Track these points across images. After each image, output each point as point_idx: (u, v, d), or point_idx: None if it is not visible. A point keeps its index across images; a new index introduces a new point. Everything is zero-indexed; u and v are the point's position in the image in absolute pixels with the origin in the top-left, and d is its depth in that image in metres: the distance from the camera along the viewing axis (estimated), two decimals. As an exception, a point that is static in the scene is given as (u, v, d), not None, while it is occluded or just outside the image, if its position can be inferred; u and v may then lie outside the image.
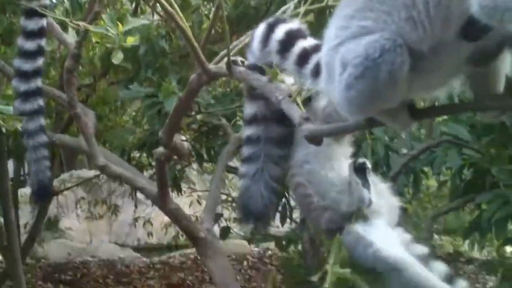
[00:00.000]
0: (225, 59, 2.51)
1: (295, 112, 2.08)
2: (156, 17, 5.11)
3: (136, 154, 5.53)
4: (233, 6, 4.73)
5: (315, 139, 2.05)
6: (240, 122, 4.26)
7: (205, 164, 6.02)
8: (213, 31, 4.73)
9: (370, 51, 1.60)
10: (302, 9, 2.55)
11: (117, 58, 2.95)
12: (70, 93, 3.95)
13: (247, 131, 2.60)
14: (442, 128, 3.60)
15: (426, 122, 3.70)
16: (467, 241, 6.43)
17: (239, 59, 2.46)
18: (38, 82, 3.31)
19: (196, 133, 4.80)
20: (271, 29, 2.21)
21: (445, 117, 3.65)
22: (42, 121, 3.48)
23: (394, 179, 3.56)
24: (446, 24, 1.58)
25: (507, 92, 1.72)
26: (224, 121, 4.31)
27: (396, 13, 1.60)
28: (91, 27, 3.02)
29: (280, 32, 2.16)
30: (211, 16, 4.62)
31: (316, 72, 1.97)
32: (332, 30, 1.78)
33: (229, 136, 4.20)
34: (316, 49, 2.03)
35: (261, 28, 2.27)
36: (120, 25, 2.73)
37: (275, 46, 2.16)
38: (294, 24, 2.19)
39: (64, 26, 3.88)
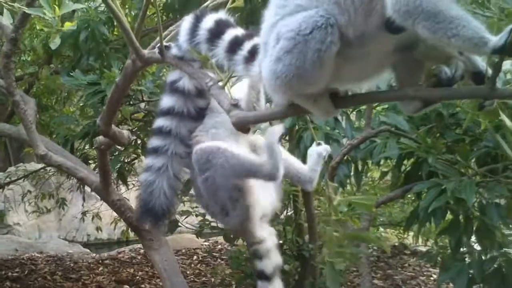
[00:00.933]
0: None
1: (224, 98, 2.08)
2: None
3: (80, 145, 5.42)
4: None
5: (243, 127, 2.06)
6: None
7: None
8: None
9: (303, 26, 1.63)
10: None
11: (55, 43, 2.88)
12: (8, 79, 3.86)
13: (160, 122, 2.59)
14: (381, 117, 3.64)
15: (366, 112, 3.73)
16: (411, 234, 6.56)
17: (172, 44, 2.43)
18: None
19: (140, 123, 4.74)
20: (198, 20, 2.21)
21: (385, 106, 3.71)
22: None
23: (335, 168, 3.59)
24: (369, 15, 1.63)
25: (427, 83, 1.75)
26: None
27: None
28: (27, 9, 2.93)
29: (208, 21, 2.17)
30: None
31: (249, 58, 2.00)
32: (272, 9, 1.80)
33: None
34: (248, 36, 2.06)
35: (187, 20, 2.27)
36: (57, 8, 2.64)
37: (204, 35, 2.16)
38: (222, 15, 2.20)
39: (-1, 9, 3.76)
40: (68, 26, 2.83)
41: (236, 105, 2.03)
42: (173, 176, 2.54)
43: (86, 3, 4.29)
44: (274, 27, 1.75)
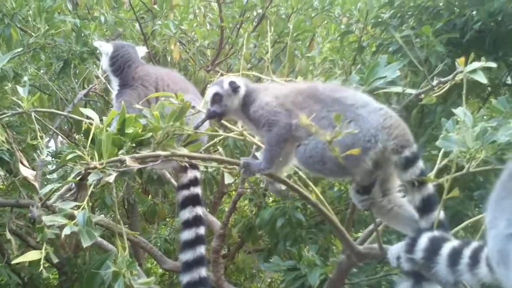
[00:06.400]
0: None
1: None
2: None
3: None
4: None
5: None
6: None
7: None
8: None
9: None
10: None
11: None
12: (217, 273, 4.08)
13: None
14: None
15: None
16: None
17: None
18: (202, 272, 3.28)
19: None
20: (413, 242, 2.31)
21: None
22: None
23: None
24: None
25: None
26: (371, 292, 4.20)
27: None
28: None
29: (423, 241, 2.27)
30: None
31: (473, 263, 2.06)
32: (503, 221, 1.88)
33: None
34: (465, 244, 2.14)
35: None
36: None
37: (421, 255, 2.25)
38: (437, 233, 2.30)
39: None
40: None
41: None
42: None
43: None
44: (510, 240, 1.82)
